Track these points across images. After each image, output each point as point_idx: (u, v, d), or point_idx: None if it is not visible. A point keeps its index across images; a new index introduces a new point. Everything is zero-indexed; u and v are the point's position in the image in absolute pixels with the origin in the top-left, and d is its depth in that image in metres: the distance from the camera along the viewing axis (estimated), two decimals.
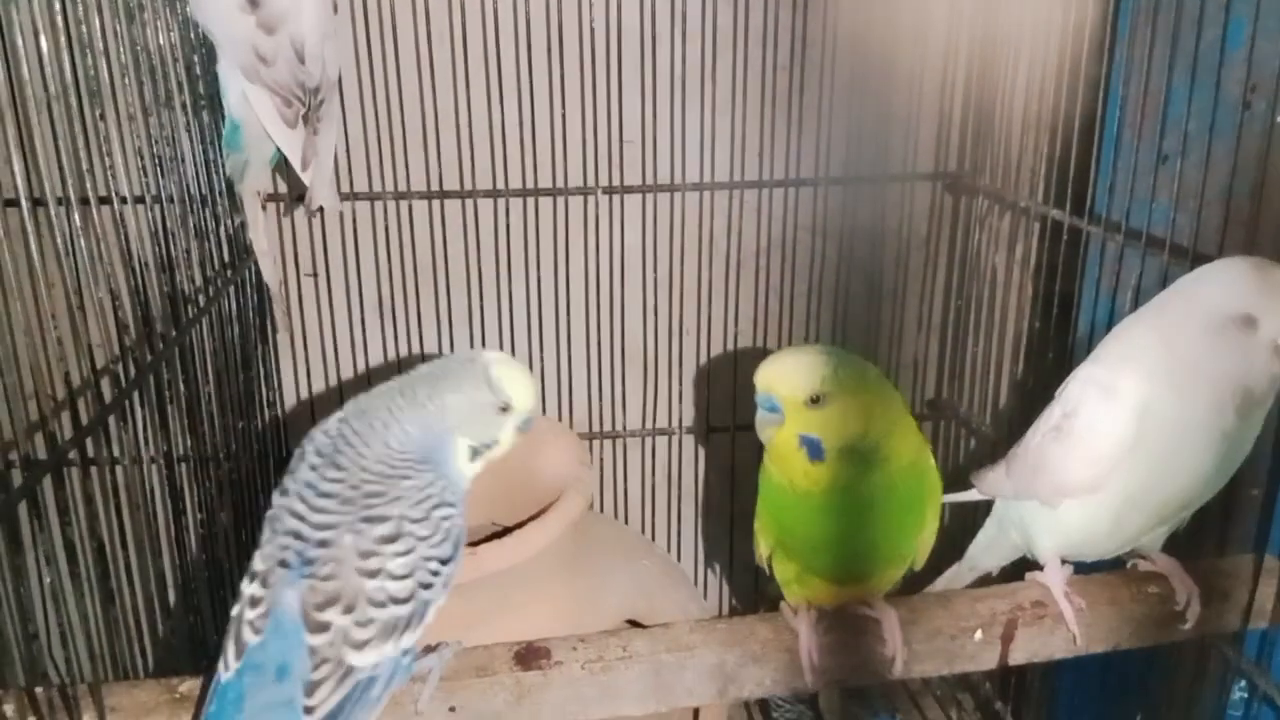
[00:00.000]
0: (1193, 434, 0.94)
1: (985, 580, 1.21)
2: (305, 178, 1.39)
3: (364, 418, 0.91)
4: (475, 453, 0.93)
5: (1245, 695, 1.07)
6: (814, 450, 0.94)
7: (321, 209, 1.46)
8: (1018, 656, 1.03)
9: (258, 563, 0.86)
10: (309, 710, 0.80)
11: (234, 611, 0.85)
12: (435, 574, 0.87)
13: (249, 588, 0.85)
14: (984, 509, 1.19)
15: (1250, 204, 1.04)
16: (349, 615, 0.82)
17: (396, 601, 0.84)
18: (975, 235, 1.64)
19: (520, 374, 0.94)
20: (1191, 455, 0.95)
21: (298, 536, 0.85)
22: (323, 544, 0.84)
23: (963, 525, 1.27)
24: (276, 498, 0.89)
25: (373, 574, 0.83)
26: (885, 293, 1.74)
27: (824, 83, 1.62)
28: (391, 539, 0.85)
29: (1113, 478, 0.98)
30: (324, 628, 0.82)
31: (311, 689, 0.81)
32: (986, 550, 1.19)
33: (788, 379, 0.95)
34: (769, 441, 0.97)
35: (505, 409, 0.93)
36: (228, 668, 0.83)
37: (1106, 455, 0.97)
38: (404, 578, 0.85)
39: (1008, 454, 1.11)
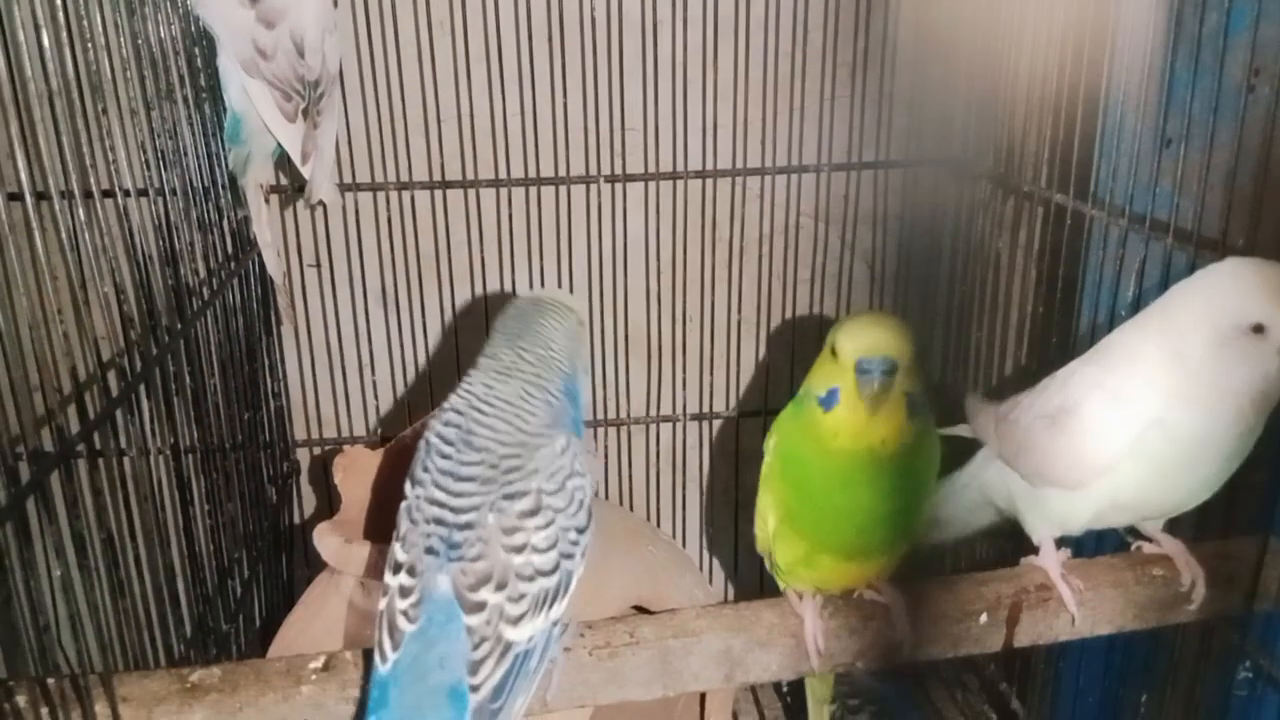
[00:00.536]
0: (1201, 448, 0.94)
1: (988, 564, 1.21)
2: (305, 171, 1.39)
3: (491, 402, 0.92)
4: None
5: (1250, 676, 1.08)
6: (916, 405, 0.95)
7: (322, 203, 1.46)
8: (1023, 639, 1.04)
9: (400, 554, 0.88)
10: (474, 688, 0.83)
11: (381, 605, 0.87)
12: (574, 543, 0.89)
13: (396, 579, 0.87)
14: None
15: (1253, 188, 1.03)
16: (501, 592, 0.85)
17: (543, 574, 0.87)
18: (979, 220, 1.64)
19: (560, 290, 1.06)
20: (1195, 468, 0.96)
21: (440, 523, 0.87)
22: (467, 526, 0.86)
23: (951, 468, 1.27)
24: (409, 489, 0.91)
25: (519, 549, 0.86)
26: (888, 278, 1.74)
27: (826, 69, 1.62)
28: (532, 513, 0.87)
29: (1098, 482, 0.99)
30: (480, 607, 0.84)
31: (475, 667, 0.83)
32: (968, 509, 1.19)
33: (901, 340, 0.93)
34: (877, 406, 0.93)
35: (581, 324, 1.02)
36: (385, 659, 0.85)
37: (1094, 461, 0.98)
38: (548, 550, 0.87)
39: (999, 408, 1.12)
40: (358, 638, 1.19)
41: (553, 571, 0.87)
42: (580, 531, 0.90)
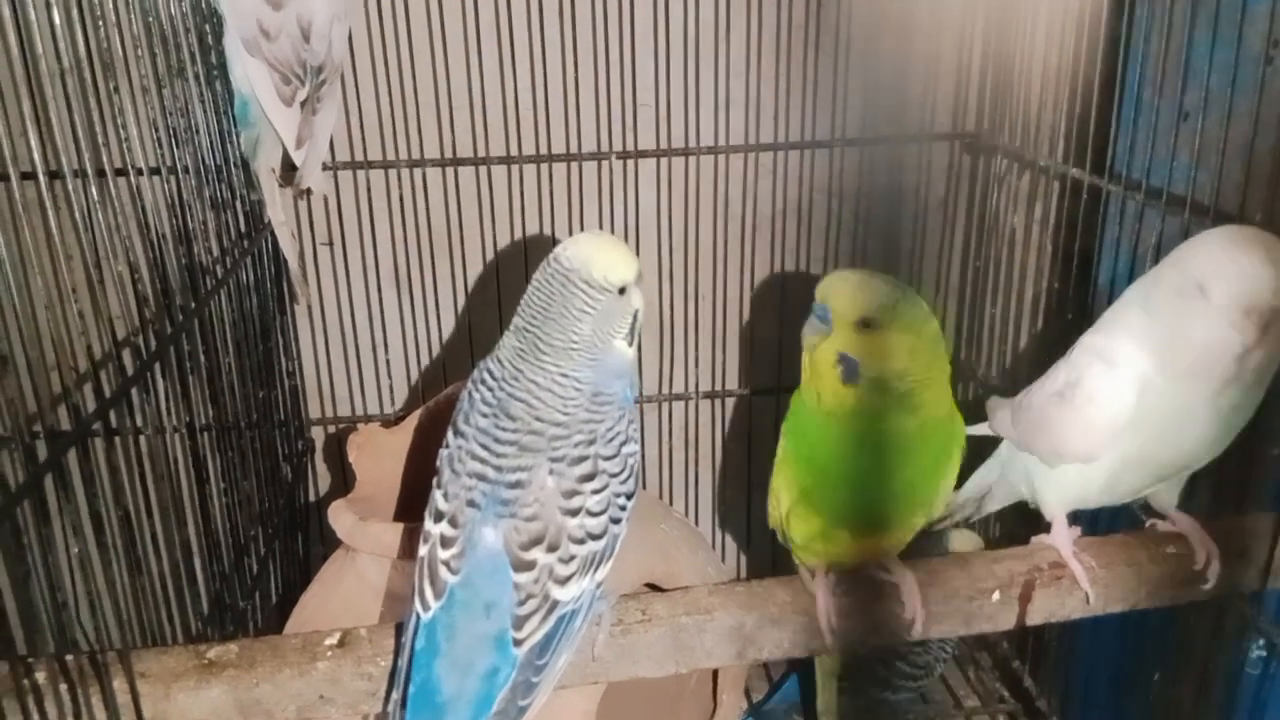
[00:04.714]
0: (1178, 403, 0.94)
1: (999, 543, 1.21)
2: (297, 157, 1.38)
3: (524, 384, 0.92)
4: (630, 336, 0.95)
5: (1263, 654, 1.08)
6: (849, 371, 0.95)
7: (310, 190, 1.46)
8: (1035, 617, 1.04)
9: (441, 502, 0.90)
10: (518, 643, 0.86)
11: (422, 551, 0.90)
12: (622, 508, 0.92)
13: (437, 527, 0.90)
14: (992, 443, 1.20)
15: (1272, 161, 1.02)
16: (553, 554, 0.87)
17: (594, 537, 0.89)
18: (994, 195, 1.62)
19: (602, 249, 0.92)
20: (1180, 424, 0.95)
21: (483, 479, 0.89)
22: (516, 485, 0.88)
23: (975, 462, 1.27)
24: (451, 438, 0.93)
25: (574, 512, 0.88)
26: (903, 255, 1.73)
27: (840, 42, 1.60)
28: (590, 477, 0.89)
29: (1109, 447, 0.99)
30: (530, 566, 0.87)
31: (520, 623, 0.86)
32: (990, 493, 1.20)
33: (847, 295, 0.95)
34: (809, 350, 0.98)
35: (623, 290, 0.93)
36: (428, 607, 0.88)
37: (1104, 428, 0.98)
38: (599, 514, 0.90)
39: (1016, 398, 1.12)
40: (372, 614, 1.20)
41: (602, 535, 0.90)
42: (629, 497, 0.93)
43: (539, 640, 0.87)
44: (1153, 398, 0.95)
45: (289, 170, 1.44)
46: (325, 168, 1.48)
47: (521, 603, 0.87)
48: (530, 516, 0.88)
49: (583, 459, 0.89)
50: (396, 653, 0.93)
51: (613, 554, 0.92)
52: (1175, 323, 0.93)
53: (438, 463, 0.94)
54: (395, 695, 0.90)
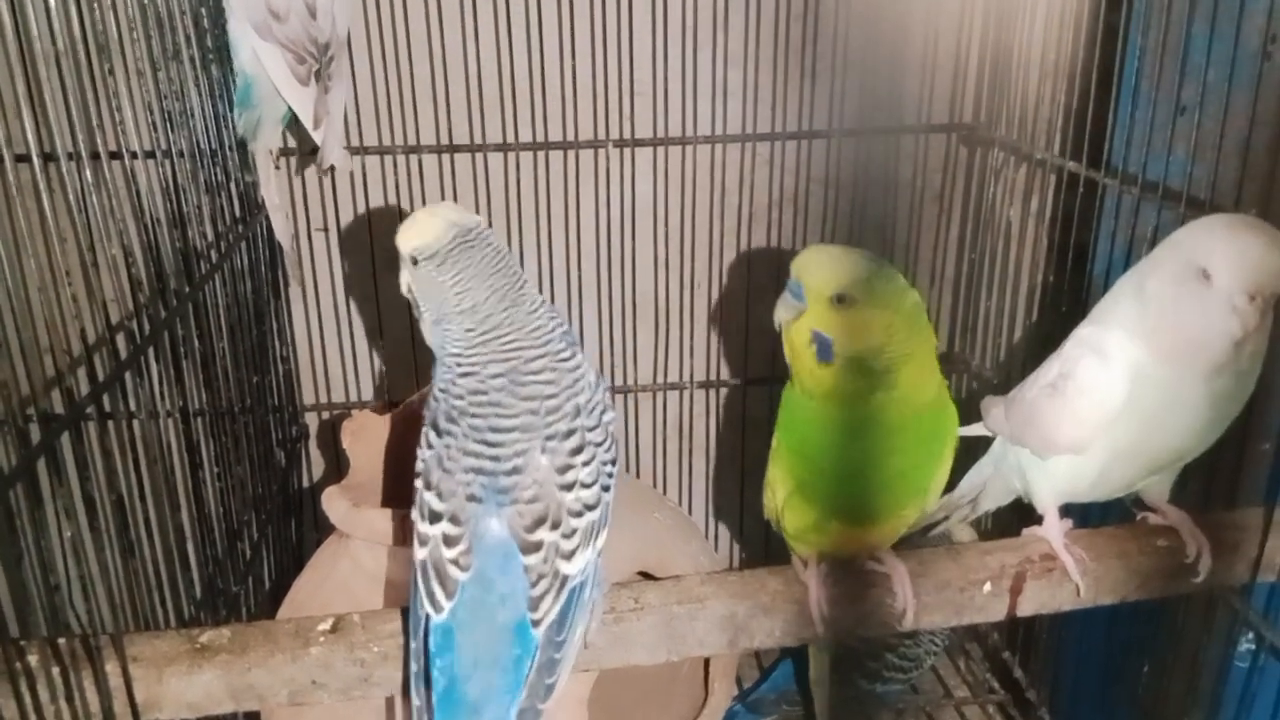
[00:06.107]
0: (1172, 391, 0.94)
1: (991, 535, 1.22)
2: (317, 136, 1.39)
3: (531, 345, 0.93)
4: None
5: (1252, 647, 1.08)
6: (823, 350, 0.93)
7: (333, 167, 1.46)
8: (1026, 608, 1.04)
9: (437, 503, 0.90)
10: (535, 624, 0.87)
11: (421, 555, 0.90)
12: (610, 475, 0.93)
13: (436, 528, 0.89)
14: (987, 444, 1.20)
15: (1268, 156, 1.02)
16: (556, 530, 0.88)
17: (589, 508, 0.91)
18: (990, 187, 1.63)
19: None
20: (1173, 413, 0.96)
21: (480, 472, 0.89)
22: (514, 471, 0.88)
23: (968, 463, 1.27)
24: (435, 439, 0.92)
25: (569, 487, 0.89)
26: (899, 246, 1.73)
27: (838, 33, 1.60)
28: (579, 450, 0.91)
29: (1100, 438, 0.99)
30: (537, 547, 0.88)
31: (535, 604, 0.88)
32: (984, 490, 1.20)
33: (820, 270, 0.94)
34: (781, 326, 0.97)
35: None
36: (440, 608, 0.88)
37: (1095, 419, 0.98)
38: (591, 485, 0.91)
39: (1009, 394, 1.12)
40: (366, 600, 1.20)
41: (596, 505, 0.91)
42: (613, 464, 0.94)
43: (555, 618, 0.88)
44: (1145, 388, 0.95)
45: (310, 153, 1.43)
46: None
47: (534, 584, 0.88)
48: (531, 498, 0.88)
49: (571, 432, 0.91)
50: (407, 657, 0.93)
51: (607, 522, 0.94)
52: (1171, 309, 0.93)
53: (419, 466, 0.93)
54: (416, 702, 0.90)
